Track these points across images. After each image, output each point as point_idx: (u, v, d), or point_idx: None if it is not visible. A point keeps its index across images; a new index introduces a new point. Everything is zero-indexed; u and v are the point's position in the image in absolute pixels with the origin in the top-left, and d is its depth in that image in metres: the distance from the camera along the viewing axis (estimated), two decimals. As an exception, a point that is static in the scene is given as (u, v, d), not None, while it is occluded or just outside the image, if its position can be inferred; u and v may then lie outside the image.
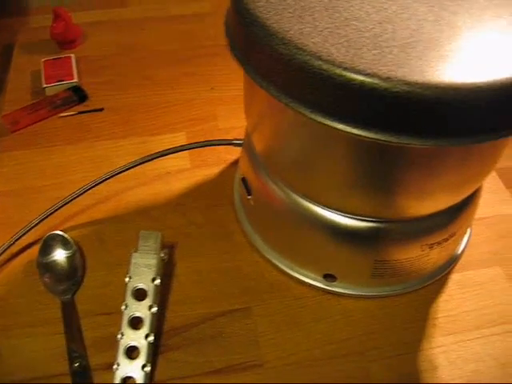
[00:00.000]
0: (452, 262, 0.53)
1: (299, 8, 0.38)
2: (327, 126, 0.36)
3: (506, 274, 0.53)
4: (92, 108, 0.66)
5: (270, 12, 0.38)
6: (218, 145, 0.55)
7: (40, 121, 0.64)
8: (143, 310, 0.46)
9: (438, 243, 0.48)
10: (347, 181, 0.42)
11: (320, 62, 0.34)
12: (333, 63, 0.34)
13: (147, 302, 0.47)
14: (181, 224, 0.55)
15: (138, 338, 0.45)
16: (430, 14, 0.38)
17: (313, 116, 0.36)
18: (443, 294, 0.51)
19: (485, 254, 0.55)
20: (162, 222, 0.55)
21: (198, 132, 0.64)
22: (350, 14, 0.38)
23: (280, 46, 0.36)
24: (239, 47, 0.40)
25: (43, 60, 0.70)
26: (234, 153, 0.61)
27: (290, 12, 0.38)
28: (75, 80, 0.67)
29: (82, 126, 0.65)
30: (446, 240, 0.49)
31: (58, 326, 0.48)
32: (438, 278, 0.52)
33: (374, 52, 0.35)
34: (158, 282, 0.48)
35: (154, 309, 0.46)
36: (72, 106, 0.66)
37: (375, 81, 0.33)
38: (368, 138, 0.35)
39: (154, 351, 0.46)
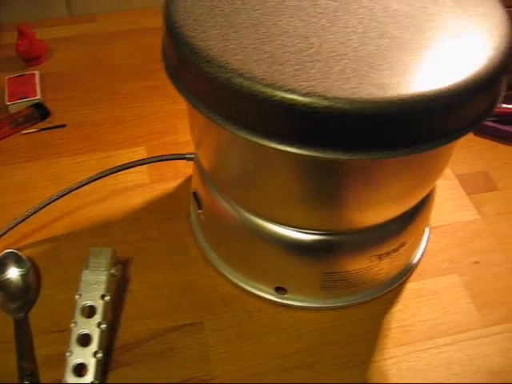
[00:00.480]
0: (407, 271, 0.53)
1: (227, 25, 0.38)
2: (254, 142, 0.36)
3: (463, 281, 0.53)
4: (54, 124, 0.66)
5: (196, 30, 0.38)
6: (171, 159, 0.56)
7: (2, 139, 0.65)
8: (92, 327, 0.46)
9: (387, 254, 0.48)
10: (287, 196, 0.42)
11: (241, 79, 0.34)
12: (253, 80, 0.34)
13: (96, 319, 0.47)
14: (136, 239, 0.55)
15: (87, 356, 0.45)
16: (360, 26, 0.38)
17: (239, 133, 0.36)
18: (398, 303, 0.51)
19: (442, 262, 0.55)
20: (117, 237, 0.56)
21: (159, 146, 0.64)
22: (277, 29, 0.38)
23: (204, 64, 0.36)
24: (172, 66, 0.41)
25: (7, 77, 0.70)
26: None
27: (217, 29, 0.38)
28: (38, 97, 0.68)
29: (44, 143, 0.65)
30: (396, 250, 0.48)
31: (11, 343, 0.48)
32: (393, 287, 0.52)
33: (296, 67, 0.35)
34: (107, 298, 0.48)
35: (103, 326, 0.46)
36: (34, 123, 0.66)
37: (295, 96, 0.33)
38: (294, 153, 0.35)
39: (104, 368, 0.46)
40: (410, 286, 0.53)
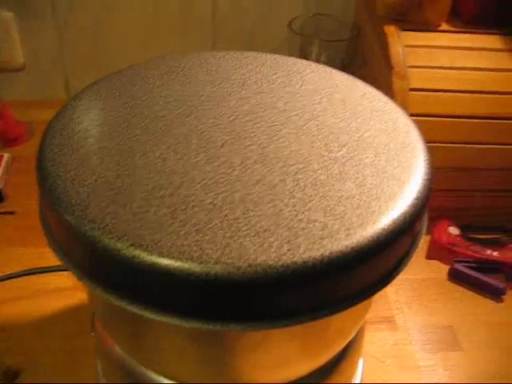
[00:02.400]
0: None
1: (93, 149, 0.35)
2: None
3: None
4: (5, 210, 0.65)
5: (54, 153, 0.35)
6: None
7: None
8: None
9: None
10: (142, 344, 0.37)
11: (70, 218, 0.30)
12: (81, 221, 0.30)
13: None
14: (35, 349, 0.51)
15: None
16: (239, 168, 0.34)
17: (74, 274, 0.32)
18: None
19: None
20: (17, 344, 0.51)
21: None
22: (143, 161, 0.34)
23: (44, 195, 0.33)
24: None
25: (-23, 157, 0.70)
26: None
27: (78, 154, 0.34)
28: (-4, 180, 0.67)
29: (-12, 228, 0.63)
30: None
31: None
32: None
33: (135, 211, 0.30)
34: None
35: None
36: (-14, 206, 0.65)
37: (118, 246, 0.29)
38: (129, 309, 0.30)
39: None
40: None
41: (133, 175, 0.33)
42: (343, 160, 0.35)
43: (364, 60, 0.73)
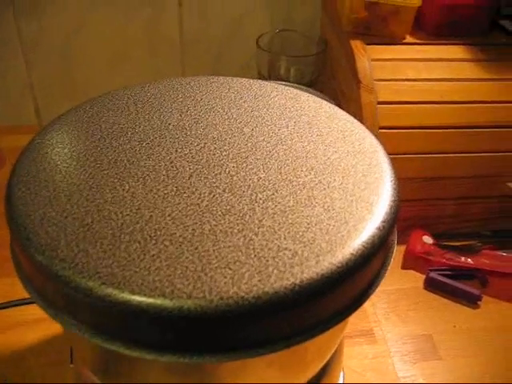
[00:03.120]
0: None
1: (62, 186, 0.35)
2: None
3: None
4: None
5: (24, 190, 0.34)
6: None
7: None
8: None
9: None
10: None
11: (41, 258, 0.30)
12: (51, 259, 0.30)
13: None
14: (16, 380, 0.51)
15: None
16: (208, 198, 0.34)
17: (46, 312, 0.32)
18: None
19: None
20: (-3, 378, 0.51)
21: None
22: (112, 195, 0.34)
23: (13, 229, 0.33)
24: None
25: None
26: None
27: (47, 191, 0.34)
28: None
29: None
30: None
31: None
32: None
33: (106, 247, 0.31)
34: None
35: None
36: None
37: (91, 284, 0.29)
38: (104, 346, 0.30)
39: None
40: None
41: (102, 211, 0.33)
42: (311, 184, 0.35)
43: (332, 73, 0.74)
